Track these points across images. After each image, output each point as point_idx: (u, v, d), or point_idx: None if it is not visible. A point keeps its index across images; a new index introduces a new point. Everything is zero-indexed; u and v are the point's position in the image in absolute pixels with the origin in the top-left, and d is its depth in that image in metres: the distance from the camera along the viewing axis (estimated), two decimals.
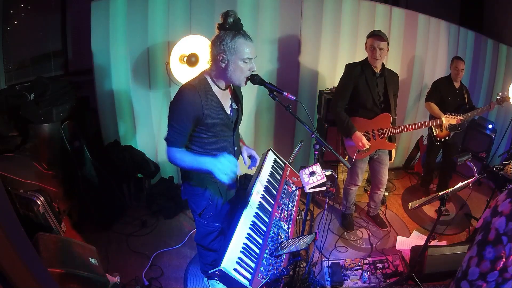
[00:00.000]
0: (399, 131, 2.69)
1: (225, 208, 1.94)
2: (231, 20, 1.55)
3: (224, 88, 1.73)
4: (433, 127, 3.24)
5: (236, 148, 1.87)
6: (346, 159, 2.79)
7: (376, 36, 2.53)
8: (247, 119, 3.52)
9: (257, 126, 3.62)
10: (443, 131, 3.27)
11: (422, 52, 3.86)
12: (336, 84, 3.54)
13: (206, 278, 2.31)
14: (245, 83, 1.69)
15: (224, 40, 1.57)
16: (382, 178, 2.94)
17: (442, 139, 3.31)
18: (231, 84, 1.77)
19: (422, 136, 4.06)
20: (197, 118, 1.64)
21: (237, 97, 1.85)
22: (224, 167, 1.55)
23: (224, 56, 1.59)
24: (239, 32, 1.58)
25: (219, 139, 1.76)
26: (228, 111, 1.76)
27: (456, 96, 3.30)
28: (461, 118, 2.75)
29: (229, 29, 1.57)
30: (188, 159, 1.67)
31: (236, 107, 1.83)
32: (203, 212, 1.87)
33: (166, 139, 1.69)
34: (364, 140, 2.61)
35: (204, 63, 2.78)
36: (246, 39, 1.59)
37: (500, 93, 3.22)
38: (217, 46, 1.59)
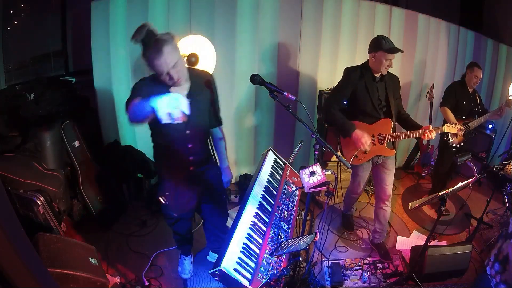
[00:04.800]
0: (400, 137, 2.59)
1: (188, 203, 2.07)
2: (139, 39, 1.60)
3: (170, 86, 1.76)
4: (449, 134, 3.16)
5: (191, 145, 1.90)
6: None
7: (392, 49, 2.41)
8: (248, 119, 3.53)
9: (257, 126, 3.62)
10: (458, 137, 3.23)
11: (422, 52, 3.86)
12: (336, 84, 3.54)
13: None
14: (176, 85, 1.73)
15: (143, 57, 1.65)
16: (387, 187, 2.67)
17: (457, 145, 3.28)
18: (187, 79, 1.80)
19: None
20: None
21: (194, 95, 1.82)
22: (163, 103, 1.42)
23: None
24: (150, 45, 1.60)
25: (168, 130, 1.80)
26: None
27: (470, 101, 3.28)
28: (461, 127, 2.72)
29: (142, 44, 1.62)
30: (135, 104, 1.62)
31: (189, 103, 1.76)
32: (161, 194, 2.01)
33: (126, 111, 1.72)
34: (365, 138, 2.42)
35: (204, 63, 2.78)
36: (158, 52, 1.59)
37: (511, 96, 3.21)
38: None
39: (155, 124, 1.72)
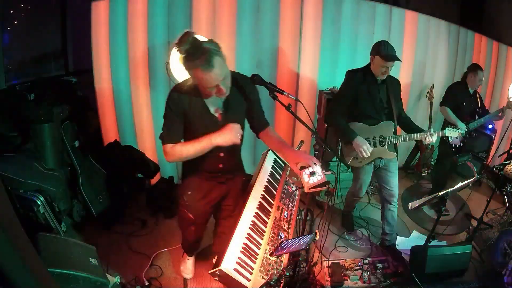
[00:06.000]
0: (401, 140, 2.59)
1: (207, 206, 2.02)
2: (184, 47, 1.48)
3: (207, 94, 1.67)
4: (448, 135, 3.15)
5: (223, 154, 1.85)
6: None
7: (390, 57, 2.39)
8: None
9: None
10: (458, 138, 3.23)
11: (422, 52, 3.85)
12: (336, 84, 3.53)
13: None
14: (220, 95, 1.64)
15: (187, 66, 1.55)
16: (393, 189, 2.67)
17: (457, 145, 3.27)
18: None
19: None
20: (183, 115, 1.71)
21: (231, 102, 1.76)
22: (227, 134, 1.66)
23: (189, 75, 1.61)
24: (197, 56, 1.48)
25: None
26: (216, 114, 1.74)
27: (470, 102, 3.28)
28: (462, 132, 2.72)
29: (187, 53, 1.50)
30: (188, 146, 1.70)
31: (225, 111, 1.75)
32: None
33: (160, 137, 1.75)
34: (365, 147, 2.45)
35: None
36: (208, 65, 1.48)
37: (511, 98, 3.20)
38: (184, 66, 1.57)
39: (188, 133, 1.74)
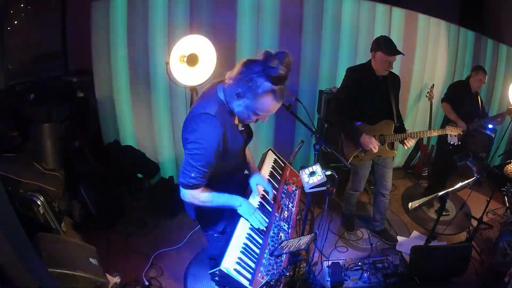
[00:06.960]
0: (401, 138, 2.61)
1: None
2: (276, 72, 1.30)
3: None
4: (448, 132, 3.16)
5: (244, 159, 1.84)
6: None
7: (393, 51, 2.39)
8: None
9: (257, 126, 3.62)
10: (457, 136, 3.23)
11: (422, 52, 3.86)
12: (336, 84, 3.53)
13: None
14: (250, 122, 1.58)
15: (254, 84, 1.34)
16: (386, 183, 2.83)
17: (455, 143, 3.27)
18: None
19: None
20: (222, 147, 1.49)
21: None
22: (256, 218, 1.60)
23: (244, 99, 1.41)
24: (274, 89, 1.35)
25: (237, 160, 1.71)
26: (241, 128, 1.68)
27: (471, 102, 3.28)
28: (463, 130, 2.73)
29: (268, 78, 1.32)
30: (219, 196, 1.55)
31: (243, 128, 1.71)
32: (224, 228, 1.76)
33: (187, 184, 1.45)
34: (373, 144, 2.50)
35: (204, 63, 2.77)
36: (277, 100, 1.39)
37: None
38: (243, 82, 1.36)
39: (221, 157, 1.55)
